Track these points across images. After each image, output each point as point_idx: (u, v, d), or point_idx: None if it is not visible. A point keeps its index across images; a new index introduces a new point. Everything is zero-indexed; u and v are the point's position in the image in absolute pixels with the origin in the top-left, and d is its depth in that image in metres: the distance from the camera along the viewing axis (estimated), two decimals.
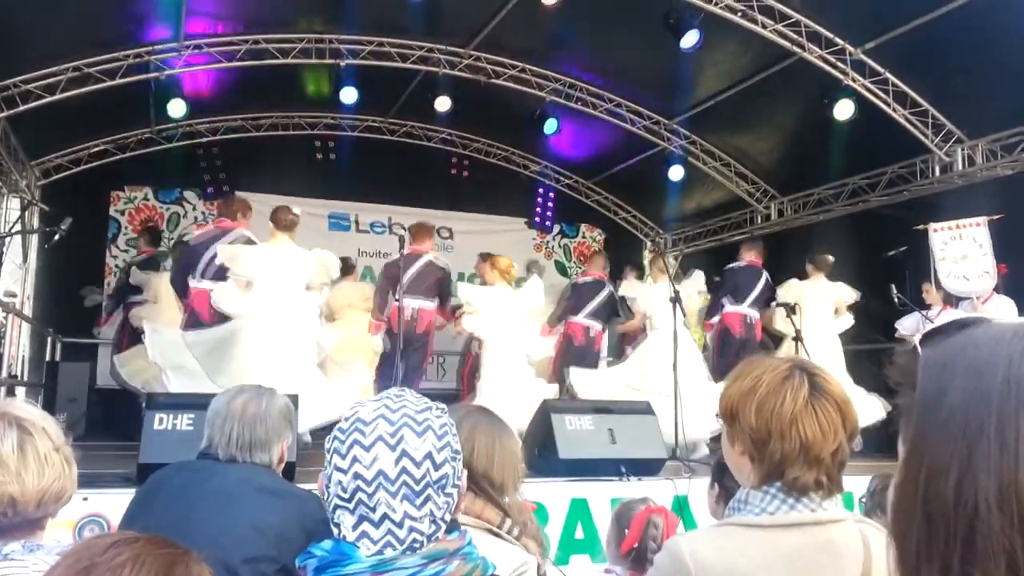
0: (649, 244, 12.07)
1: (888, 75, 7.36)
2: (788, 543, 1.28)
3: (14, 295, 7.95)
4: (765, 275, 7.54)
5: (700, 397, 5.91)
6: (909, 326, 7.33)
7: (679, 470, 5.21)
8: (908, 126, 7.53)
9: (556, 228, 11.83)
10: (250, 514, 1.86)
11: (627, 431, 5.03)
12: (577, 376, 6.80)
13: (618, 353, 8.31)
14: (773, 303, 7.17)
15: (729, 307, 7.42)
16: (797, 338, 6.31)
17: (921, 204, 7.88)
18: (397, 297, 6.36)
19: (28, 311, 8.51)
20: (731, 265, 7.71)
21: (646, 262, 11.11)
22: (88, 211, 8.37)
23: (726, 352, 7.27)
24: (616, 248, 11.24)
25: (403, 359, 6.09)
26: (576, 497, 4.60)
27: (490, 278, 6.77)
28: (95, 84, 7.55)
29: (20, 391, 8.02)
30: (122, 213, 9.83)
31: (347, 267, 7.60)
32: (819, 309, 7.19)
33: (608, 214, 11.80)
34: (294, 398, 3.80)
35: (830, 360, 6.92)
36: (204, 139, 9.77)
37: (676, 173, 9.55)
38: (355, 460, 1.10)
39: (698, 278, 7.30)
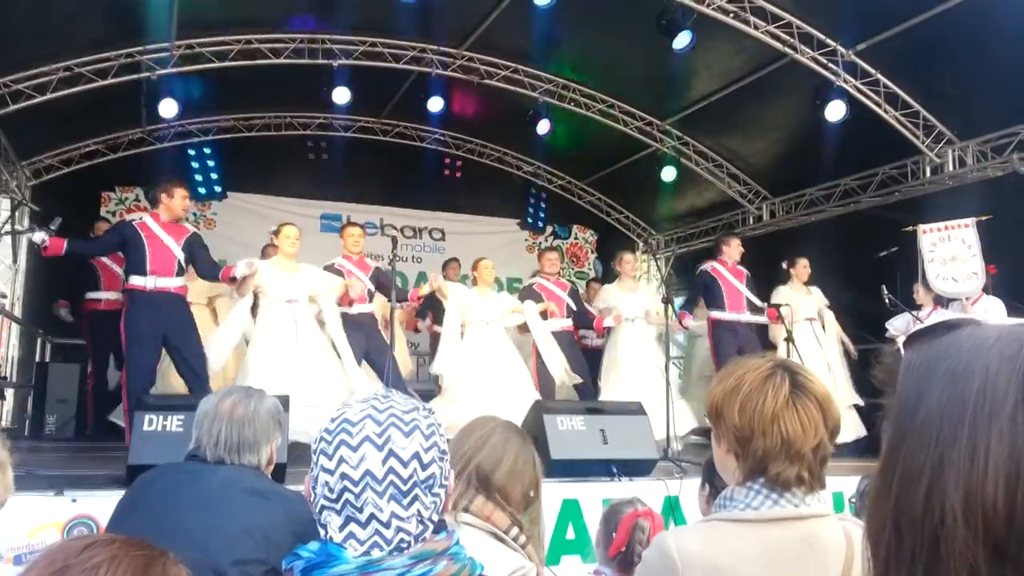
0: (642, 246, 12.10)
1: (879, 76, 7.38)
2: (771, 537, 1.31)
3: (4, 296, 7.91)
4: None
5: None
6: (900, 326, 7.35)
7: (671, 471, 5.22)
8: (899, 127, 7.56)
9: (548, 229, 11.83)
10: (238, 516, 1.86)
11: (619, 432, 5.03)
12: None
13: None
14: (765, 306, 7.18)
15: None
16: (789, 339, 6.32)
17: (912, 205, 7.91)
18: (391, 301, 6.37)
19: (18, 312, 8.47)
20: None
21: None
22: (79, 212, 8.32)
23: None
24: (609, 249, 11.26)
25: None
26: (567, 498, 4.60)
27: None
28: (86, 84, 7.52)
29: (9, 392, 7.99)
30: (113, 214, 9.78)
31: None
32: (805, 316, 7.23)
33: (601, 215, 11.81)
34: (284, 399, 3.79)
35: (827, 364, 6.97)
36: (196, 139, 9.74)
37: (668, 174, 9.57)
38: (342, 460, 1.09)
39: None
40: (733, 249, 7.25)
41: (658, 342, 7.43)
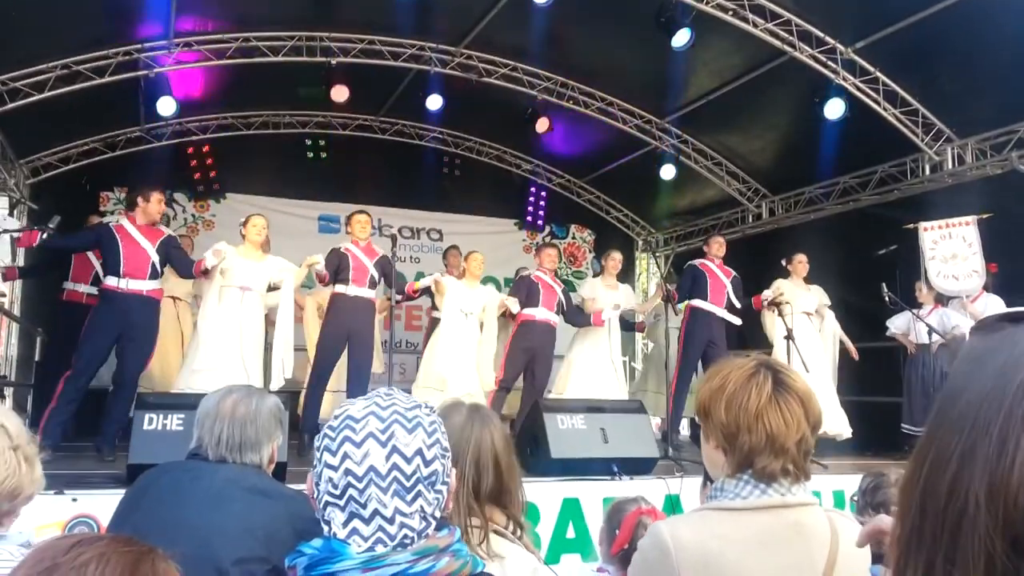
0: (641, 244, 12.10)
1: (879, 74, 7.38)
2: (759, 524, 1.39)
3: (3, 295, 7.88)
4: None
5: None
6: (900, 325, 7.37)
7: (671, 469, 5.22)
8: (898, 125, 7.56)
9: (546, 229, 11.82)
10: (240, 514, 1.85)
11: (619, 430, 5.03)
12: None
13: None
14: (764, 303, 7.19)
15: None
16: (789, 337, 6.32)
17: (911, 203, 7.92)
18: (389, 297, 6.38)
19: (17, 311, 8.45)
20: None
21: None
22: (77, 210, 8.30)
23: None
24: (607, 248, 11.22)
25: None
26: (568, 497, 4.60)
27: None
28: (84, 82, 7.50)
29: (8, 391, 7.97)
30: (111, 214, 9.76)
31: None
32: (803, 309, 7.26)
33: (599, 213, 11.81)
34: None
35: (819, 361, 6.98)
36: (194, 137, 9.72)
37: (667, 172, 9.56)
38: (346, 456, 1.10)
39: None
40: (714, 247, 7.58)
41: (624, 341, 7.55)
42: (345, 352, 6.34)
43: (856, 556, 1.41)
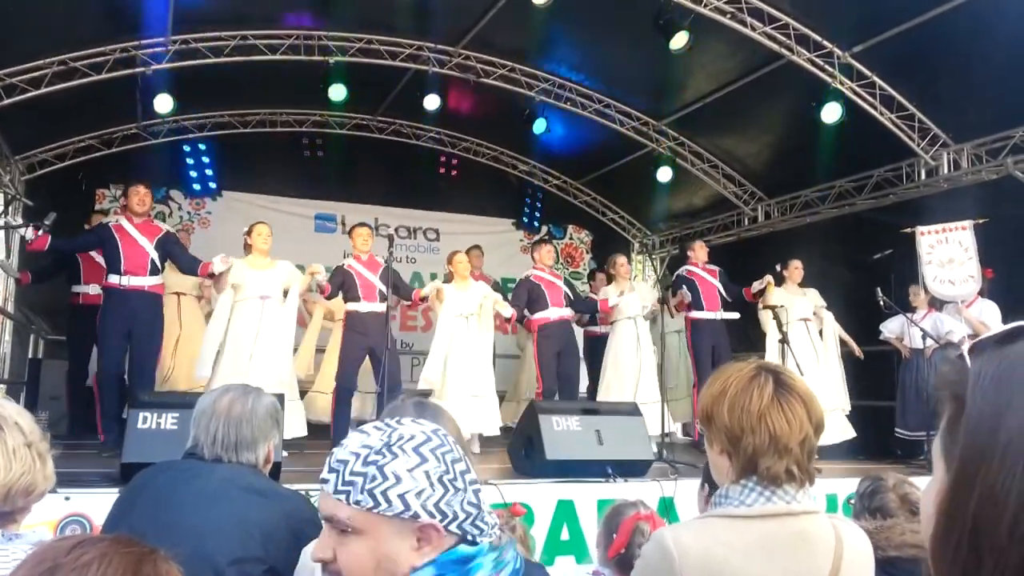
0: (637, 246, 12.10)
1: (875, 78, 7.40)
2: (763, 532, 1.38)
3: None
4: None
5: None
6: (894, 329, 7.38)
7: (666, 471, 5.22)
8: (895, 129, 7.57)
9: (544, 229, 11.82)
10: (236, 514, 1.84)
11: (614, 432, 5.03)
12: None
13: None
14: (754, 292, 7.32)
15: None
16: (784, 341, 6.33)
17: (907, 207, 7.93)
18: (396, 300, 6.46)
19: (11, 308, 8.42)
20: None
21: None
22: (72, 207, 8.29)
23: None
24: (603, 249, 11.25)
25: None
26: (563, 498, 4.60)
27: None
28: (81, 78, 7.48)
29: (1, 388, 7.94)
30: (109, 212, 9.72)
31: None
32: (799, 316, 7.32)
33: (596, 214, 11.81)
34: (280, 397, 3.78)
35: (816, 367, 7.01)
36: (191, 135, 9.70)
37: (664, 174, 9.57)
38: (463, 472, 1.14)
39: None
40: (698, 251, 7.75)
41: (655, 341, 7.51)
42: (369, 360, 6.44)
43: (861, 564, 1.42)
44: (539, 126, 9.00)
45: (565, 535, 4.54)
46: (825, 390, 6.71)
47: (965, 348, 0.61)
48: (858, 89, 7.45)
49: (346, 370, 6.36)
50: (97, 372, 5.71)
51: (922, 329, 6.92)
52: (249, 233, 6.13)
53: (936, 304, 7.17)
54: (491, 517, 1.15)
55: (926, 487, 0.64)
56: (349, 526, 1.08)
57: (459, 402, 6.09)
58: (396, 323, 10.26)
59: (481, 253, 8.61)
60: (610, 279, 7.89)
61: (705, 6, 6.93)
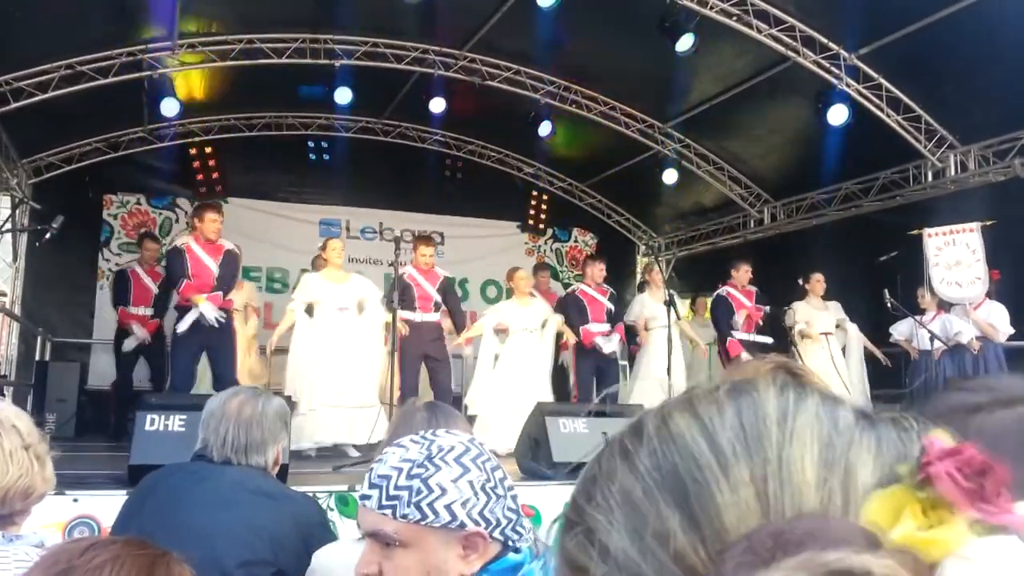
0: (643, 248, 12.09)
1: (882, 80, 7.38)
2: None
3: (4, 294, 7.89)
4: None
5: None
6: (903, 331, 7.36)
7: None
8: (901, 131, 7.55)
9: (548, 232, 11.81)
10: (245, 517, 1.84)
11: None
12: None
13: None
14: (792, 329, 7.29)
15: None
16: (793, 343, 6.34)
17: (913, 209, 7.91)
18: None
19: (18, 311, 8.45)
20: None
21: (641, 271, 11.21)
22: (79, 211, 8.31)
23: None
24: (609, 252, 11.22)
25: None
26: (569, 501, 4.58)
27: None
28: (88, 82, 7.51)
29: (8, 391, 7.96)
30: (115, 217, 9.76)
31: None
32: (822, 330, 7.39)
33: (601, 217, 11.80)
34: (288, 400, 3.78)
35: (843, 380, 7.08)
36: (197, 139, 9.71)
37: (670, 177, 9.56)
38: (502, 480, 1.18)
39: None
40: (741, 274, 7.53)
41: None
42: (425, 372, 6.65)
43: None
44: (544, 129, 8.99)
45: None
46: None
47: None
48: (864, 91, 7.43)
49: (405, 378, 6.47)
50: (171, 379, 6.01)
51: (930, 331, 6.90)
52: (324, 248, 6.51)
53: (945, 306, 7.14)
54: (527, 521, 1.17)
55: None
56: (396, 539, 1.09)
57: (512, 415, 6.07)
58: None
59: (548, 272, 9.03)
60: (640, 288, 8.15)
61: (711, 8, 6.92)
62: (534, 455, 4.94)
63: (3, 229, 7.31)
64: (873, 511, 0.33)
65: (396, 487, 1.10)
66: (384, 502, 1.10)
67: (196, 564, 1.10)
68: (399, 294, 6.26)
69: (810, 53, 7.29)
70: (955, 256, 6.89)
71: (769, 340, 7.48)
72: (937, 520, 0.32)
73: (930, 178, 7.80)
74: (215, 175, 10.00)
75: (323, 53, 8.15)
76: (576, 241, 12.08)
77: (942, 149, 7.61)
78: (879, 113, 7.48)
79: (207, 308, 5.73)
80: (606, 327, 7.23)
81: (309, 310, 6.30)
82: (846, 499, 0.35)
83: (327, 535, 1.94)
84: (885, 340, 7.52)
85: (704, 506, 0.35)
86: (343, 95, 8.28)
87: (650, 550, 0.35)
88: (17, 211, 8.02)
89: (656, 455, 0.37)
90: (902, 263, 7.45)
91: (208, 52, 7.88)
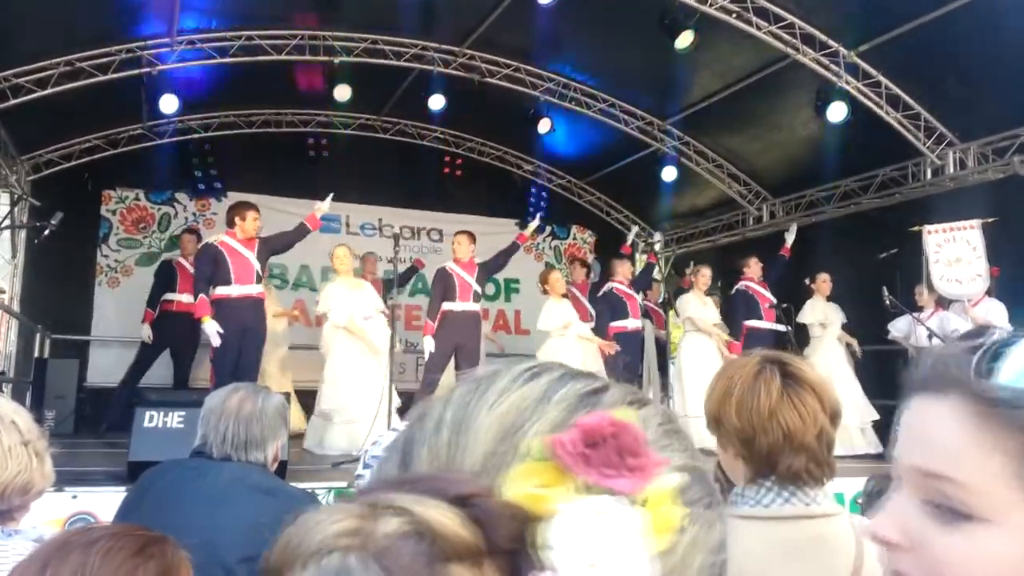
0: (639, 241, 12.08)
1: (881, 78, 7.38)
2: (779, 535, 1.31)
3: (3, 291, 7.88)
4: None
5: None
6: (902, 328, 7.36)
7: None
8: (900, 129, 7.55)
9: (547, 229, 11.80)
10: (245, 513, 1.84)
11: None
12: None
13: None
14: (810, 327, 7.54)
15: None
16: (789, 341, 6.35)
17: (912, 207, 7.91)
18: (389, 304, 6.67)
19: (17, 307, 8.44)
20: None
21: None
22: (78, 207, 8.30)
23: None
24: (607, 249, 11.23)
25: None
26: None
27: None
28: (87, 79, 7.49)
29: (7, 388, 7.96)
30: (113, 213, 9.75)
31: None
32: (836, 330, 7.59)
33: (600, 214, 11.80)
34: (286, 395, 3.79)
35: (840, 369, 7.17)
36: (196, 135, 9.70)
37: (669, 174, 9.56)
38: None
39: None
40: (753, 268, 7.83)
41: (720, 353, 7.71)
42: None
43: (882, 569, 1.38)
44: (543, 126, 8.99)
45: None
46: (852, 405, 6.84)
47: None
48: (864, 88, 7.43)
49: (431, 366, 6.69)
50: (215, 375, 6.07)
51: (928, 328, 6.90)
52: (332, 257, 6.71)
53: (943, 303, 7.15)
54: None
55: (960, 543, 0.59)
56: None
57: None
58: (400, 323, 10.29)
59: (588, 270, 9.51)
60: (685, 289, 8.33)
61: (710, 5, 6.92)
62: None
63: (2, 226, 7.31)
64: (516, 475, 0.40)
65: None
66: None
67: (196, 559, 1.11)
68: (441, 289, 6.69)
69: (810, 50, 7.29)
70: (955, 253, 6.90)
71: (785, 328, 7.59)
72: (554, 482, 0.39)
73: (929, 175, 7.80)
74: (214, 171, 10.01)
75: (322, 50, 8.15)
76: (575, 238, 12.08)
77: (941, 146, 7.61)
78: (878, 111, 7.48)
79: (210, 327, 5.82)
80: (639, 323, 7.81)
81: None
82: (507, 465, 0.42)
83: None
84: (883, 337, 7.53)
85: (412, 454, 0.46)
86: (342, 92, 8.27)
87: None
88: (16, 208, 8.01)
89: (426, 416, 0.48)
90: (901, 260, 7.46)
91: (207, 48, 7.87)
